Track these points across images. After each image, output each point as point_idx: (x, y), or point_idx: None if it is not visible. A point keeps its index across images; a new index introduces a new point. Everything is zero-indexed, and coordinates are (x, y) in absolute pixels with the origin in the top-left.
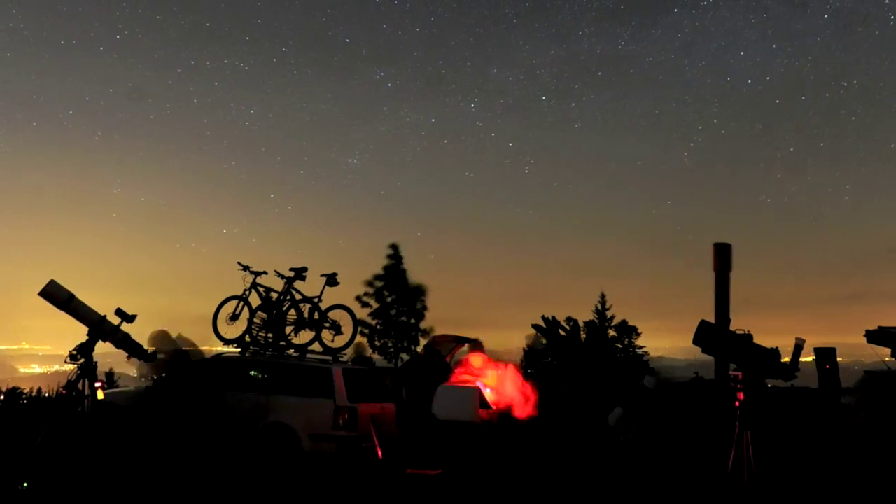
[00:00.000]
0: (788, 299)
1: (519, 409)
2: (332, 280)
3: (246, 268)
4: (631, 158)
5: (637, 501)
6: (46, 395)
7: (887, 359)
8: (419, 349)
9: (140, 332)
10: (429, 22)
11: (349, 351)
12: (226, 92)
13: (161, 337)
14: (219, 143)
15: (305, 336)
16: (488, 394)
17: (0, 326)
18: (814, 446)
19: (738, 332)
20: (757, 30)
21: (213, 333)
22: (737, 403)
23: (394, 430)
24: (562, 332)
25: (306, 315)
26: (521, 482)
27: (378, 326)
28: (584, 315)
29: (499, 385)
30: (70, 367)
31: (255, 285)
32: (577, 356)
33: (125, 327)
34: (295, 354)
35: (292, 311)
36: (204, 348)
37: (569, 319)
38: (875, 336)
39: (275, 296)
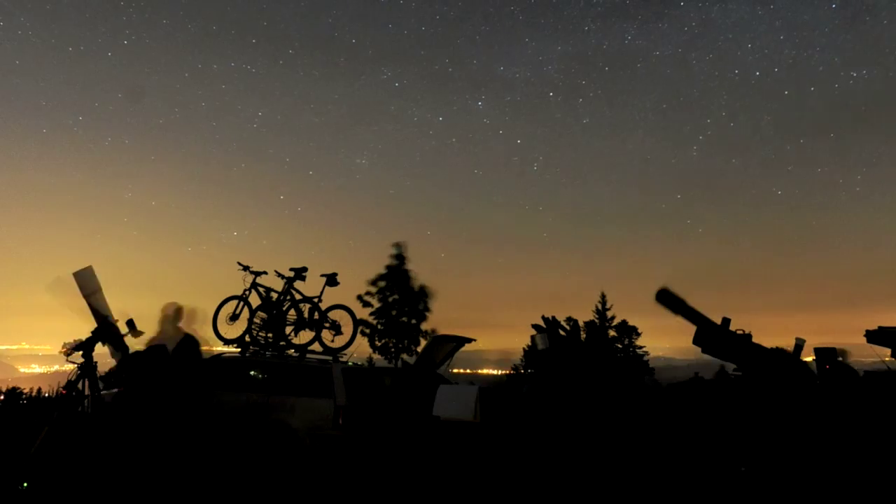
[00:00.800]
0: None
1: None
2: (332, 280)
3: (246, 268)
4: (640, 153)
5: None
6: (46, 395)
7: (887, 359)
8: (419, 349)
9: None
10: (434, 21)
11: (349, 350)
12: (233, 95)
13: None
14: (228, 145)
15: (305, 336)
16: None
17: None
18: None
19: (738, 332)
20: (764, 21)
21: (213, 333)
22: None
23: (394, 430)
24: (562, 332)
25: (306, 315)
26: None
27: (379, 326)
28: (585, 315)
29: None
30: (70, 366)
31: (254, 285)
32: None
33: (127, 340)
34: (295, 354)
35: (292, 311)
36: (204, 349)
37: (569, 319)
38: (875, 336)
39: (275, 296)
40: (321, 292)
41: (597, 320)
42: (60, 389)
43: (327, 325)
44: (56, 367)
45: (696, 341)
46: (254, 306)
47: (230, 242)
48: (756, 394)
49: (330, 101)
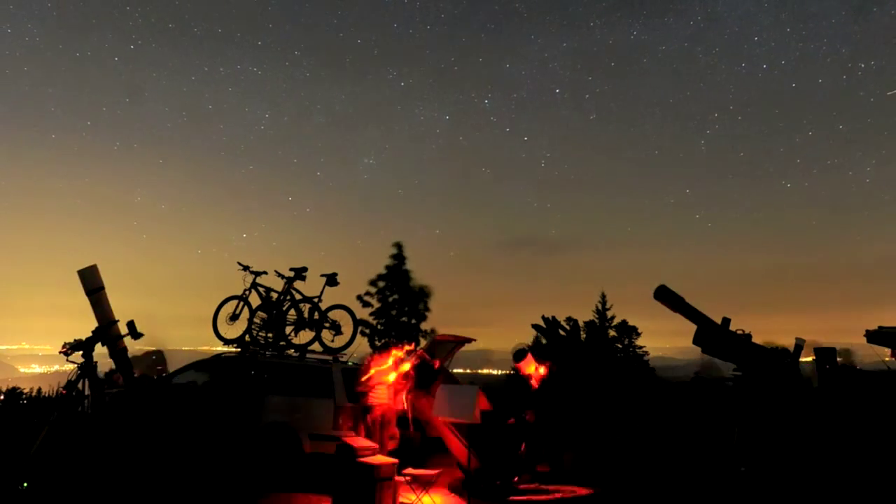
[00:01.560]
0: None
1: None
2: (332, 280)
3: (246, 268)
4: (647, 148)
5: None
6: (46, 395)
7: (887, 359)
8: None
9: (166, 337)
10: (439, 20)
11: (349, 351)
12: (240, 97)
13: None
14: (235, 148)
15: (305, 336)
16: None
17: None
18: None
19: (738, 332)
20: (770, 14)
21: (213, 333)
22: None
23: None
24: (562, 332)
25: (306, 315)
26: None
27: (379, 326)
28: (585, 315)
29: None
30: (70, 366)
31: (255, 285)
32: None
33: (127, 342)
34: (295, 354)
35: (292, 311)
36: (204, 348)
37: (569, 319)
38: (875, 336)
39: (275, 296)
40: (321, 292)
41: (597, 320)
42: (60, 389)
43: (327, 325)
44: (56, 367)
45: (696, 341)
46: (254, 306)
47: (239, 244)
48: (755, 394)
49: (337, 101)
